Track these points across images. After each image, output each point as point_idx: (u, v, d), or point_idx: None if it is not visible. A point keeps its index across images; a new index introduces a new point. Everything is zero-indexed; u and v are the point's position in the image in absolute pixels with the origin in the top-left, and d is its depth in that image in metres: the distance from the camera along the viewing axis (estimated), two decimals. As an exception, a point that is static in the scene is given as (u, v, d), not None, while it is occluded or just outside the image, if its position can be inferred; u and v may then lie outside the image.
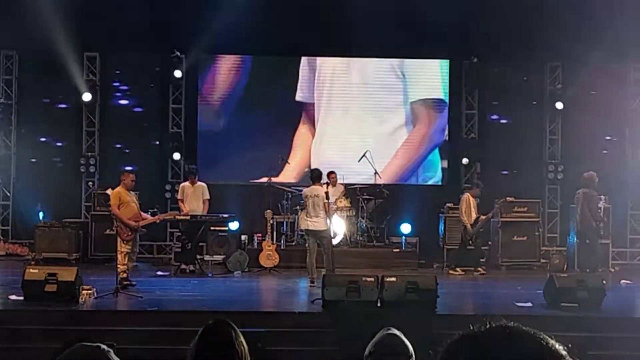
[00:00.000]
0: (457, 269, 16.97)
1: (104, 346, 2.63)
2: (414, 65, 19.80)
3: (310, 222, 14.81)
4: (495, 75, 19.68)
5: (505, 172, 20.01)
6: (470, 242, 17.00)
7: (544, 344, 1.60)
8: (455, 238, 17.93)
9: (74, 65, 18.90)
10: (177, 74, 19.02)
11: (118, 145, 19.91)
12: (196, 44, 19.01)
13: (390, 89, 19.69)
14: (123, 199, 14.40)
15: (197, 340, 3.96)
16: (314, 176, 15.26)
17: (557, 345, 1.60)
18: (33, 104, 19.62)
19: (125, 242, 14.07)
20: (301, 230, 17.38)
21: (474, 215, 16.95)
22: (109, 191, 15.94)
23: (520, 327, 1.64)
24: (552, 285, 12.27)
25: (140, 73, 19.66)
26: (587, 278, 12.73)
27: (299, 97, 19.63)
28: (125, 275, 13.93)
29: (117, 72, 19.79)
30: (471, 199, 17.04)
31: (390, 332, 4.13)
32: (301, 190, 18.12)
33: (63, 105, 19.70)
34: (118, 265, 13.61)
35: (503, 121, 20.19)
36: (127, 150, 19.87)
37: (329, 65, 19.77)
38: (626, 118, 19.87)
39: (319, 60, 19.75)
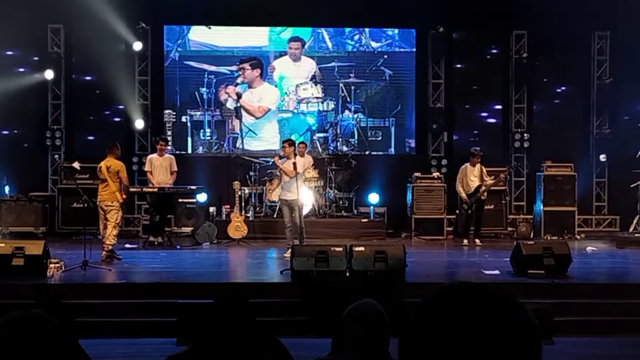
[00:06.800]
0: (476, 240, 17.05)
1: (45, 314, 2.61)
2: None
3: (288, 192, 14.56)
4: (461, 43, 19.69)
5: (472, 139, 20.09)
6: (469, 210, 17.02)
7: (508, 300, 1.62)
8: (423, 207, 18.04)
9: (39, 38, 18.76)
10: (139, 46, 18.82)
11: (83, 118, 19.74)
12: (161, 15, 18.92)
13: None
14: None
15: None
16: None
17: (518, 302, 1.63)
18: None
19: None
20: (272, 202, 17.38)
21: (473, 185, 16.90)
22: (75, 164, 15.84)
23: (484, 285, 1.66)
24: (519, 253, 12.38)
25: (105, 45, 19.40)
26: (553, 245, 12.85)
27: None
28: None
29: (82, 43, 19.53)
30: (469, 168, 16.94)
31: (368, 300, 4.14)
32: (269, 162, 18.15)
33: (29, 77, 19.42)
34: (110, 237, 13.90)
35: (468, 89, 20.21)
36: (92, 123, 19.70)
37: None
38: (591, 86, 19.99)
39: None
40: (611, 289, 11.99)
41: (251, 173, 18.19)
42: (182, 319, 9.98)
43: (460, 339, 1.54)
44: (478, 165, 16.94)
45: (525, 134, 19.54)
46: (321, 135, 19.56)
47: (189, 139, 19.52)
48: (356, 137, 19.71)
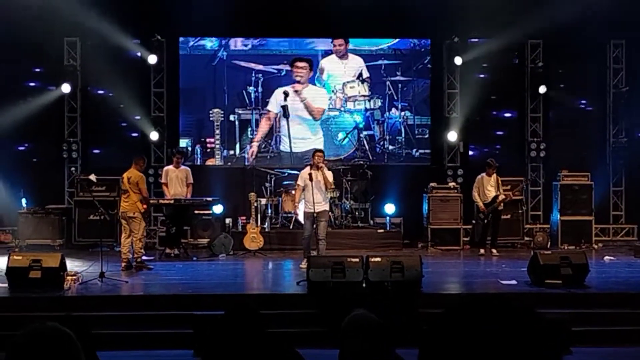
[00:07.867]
0: (493, 250, 17.06)
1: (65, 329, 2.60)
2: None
3: (316, 204, 14.35)
4: (476, 53, 19.63)
5: (487, 149, 20.05)
6: (486, 220, 17.03)
7: (527, 311, 1.62)
8: (439, 217, 18.01)
9: (54, 50, 18.86)
10: (154, 59, 18.84)
11: (99, 131, 19.79)
12: (176, 27, 19.00)
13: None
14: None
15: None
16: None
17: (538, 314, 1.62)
18: (14, 90, 19.43)
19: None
20: (288, 212, 17.34)
21: (490, 195, 16.94)
22: (92, 176, 15.90)
23: (503, 296, 1.66)
24: (536, 263, 12.33)
25: (121, 57, 19.45)
26: (571, 255, 12.80)
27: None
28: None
29: (98, 56, 19.58)
30: (485, 178, 17.01)
31: (357, 312, 4.15)
32: (284, 173, 18.16)
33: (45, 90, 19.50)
34: (137, 251, 14.58)
35: (484, 98, 20.12)
36: (108, 136, 19.74)
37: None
38: (607, 94, 19.90)
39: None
40: (629, 298, 11.91)
41: (267, 184, 18.20)
42: (198, 331, 9.99)
43: (479, 350, 1.54)
44: (494, 175, 16.96)
45: (541, 144, 19.44)
46: (368, 133, 19.56)
47: (237, 138, 19.53)
48: (403, 134, 19.64)
